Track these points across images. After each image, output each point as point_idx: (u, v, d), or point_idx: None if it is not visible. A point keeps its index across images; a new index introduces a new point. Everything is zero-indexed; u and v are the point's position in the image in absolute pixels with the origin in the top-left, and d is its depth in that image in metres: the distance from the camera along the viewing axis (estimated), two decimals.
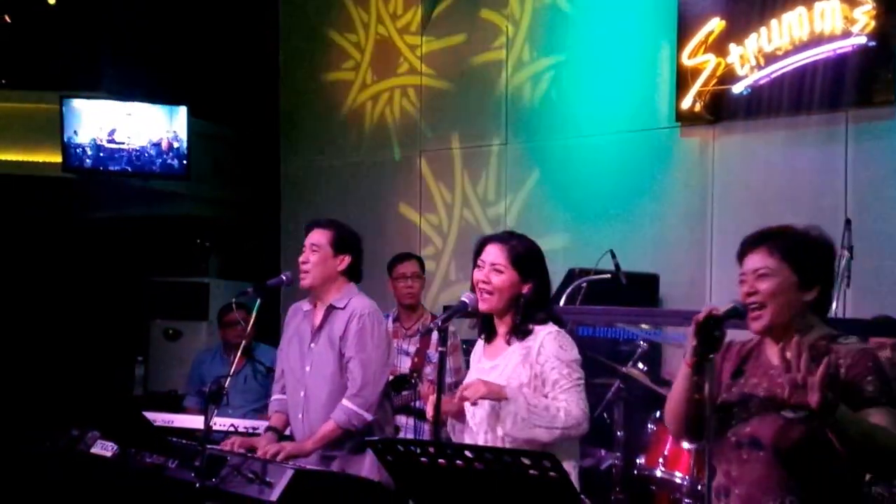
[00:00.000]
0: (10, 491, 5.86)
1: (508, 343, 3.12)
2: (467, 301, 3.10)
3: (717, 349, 2.55)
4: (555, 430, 2.94)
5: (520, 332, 3.09)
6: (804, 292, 2.54)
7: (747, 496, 2.54)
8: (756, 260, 2.57)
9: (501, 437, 3.03)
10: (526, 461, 2.29)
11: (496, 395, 2.99)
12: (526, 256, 3.12)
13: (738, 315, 2.55)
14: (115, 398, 4.65)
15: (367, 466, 3.85)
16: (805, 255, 2.56)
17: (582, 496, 2.32)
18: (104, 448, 4.14)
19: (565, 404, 2.96)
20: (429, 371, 5.14)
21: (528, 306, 3.11)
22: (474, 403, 3.05)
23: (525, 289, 3.11)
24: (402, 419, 5.19)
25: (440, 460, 2.44)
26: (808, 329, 2.55)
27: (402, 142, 7.38)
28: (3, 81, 8.04)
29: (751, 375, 2.63)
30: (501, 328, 3.16)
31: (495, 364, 3.13)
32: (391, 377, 5.21)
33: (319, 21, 7.90)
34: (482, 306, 3.11)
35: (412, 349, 5.25)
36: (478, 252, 3.15)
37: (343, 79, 7.74)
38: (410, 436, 5.06)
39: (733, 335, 2.70)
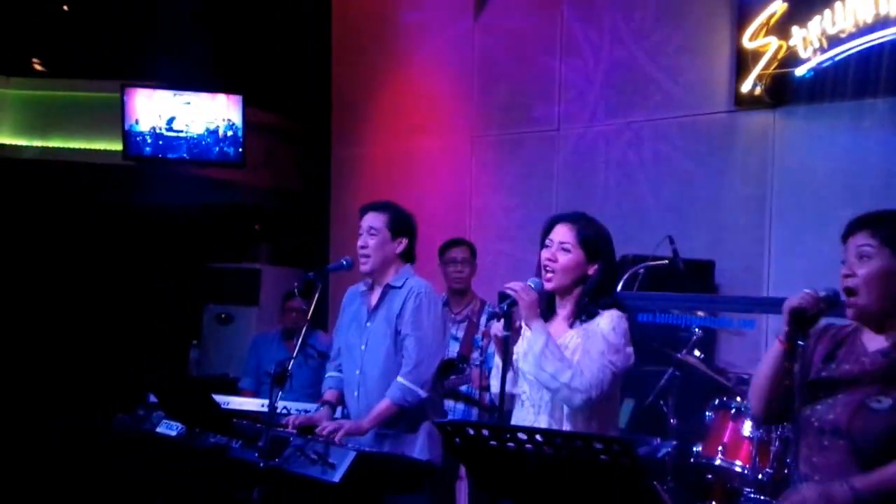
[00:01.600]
0: (77, 468, 6.00)
1: (570, 326, 3.10)
2: (533, 285, 3.09)
3: (806, 337, 2.53)
4: (557, 381, 2.92)
5: (584, 314, 3.07)
6: None
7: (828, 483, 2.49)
8: (858, 241, 2.53)
9: (558, 419, 3.03)
10: (598, 446, 2.28)
11: None
12: (594, 238, 3.11)
13: (834, 303, 2.52)
14: (185, 380, 4.72)
15: (418, 446, 3.90)
16: None
17: (654, 483, 2.28)
18: (169, 428, 4.22)
19: (582, 368, 2.94)
20: (475, 356, 5.15)
21: (594, 288, 3.09)
22: None
23: (591, 270, 3.10)
24: (449, 403, 5.21)
25: (509, 444, 2.44)
26: None
27: (453, 128, 7.36)
28: (45, 70, 8.16)
29: (843, 361, 2.60)
30: (562, 310, 3.14)
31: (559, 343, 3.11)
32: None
33: (372, 11, 7.91)
34: (548, 286, 3.10)
35: (460, 334, 5.26)
36: (546, 231, 3.15)
37: (394, 66, 7.74)
38: (459, 418, 5.09)
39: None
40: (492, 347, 3.15)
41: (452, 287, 5.33)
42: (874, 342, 2.59)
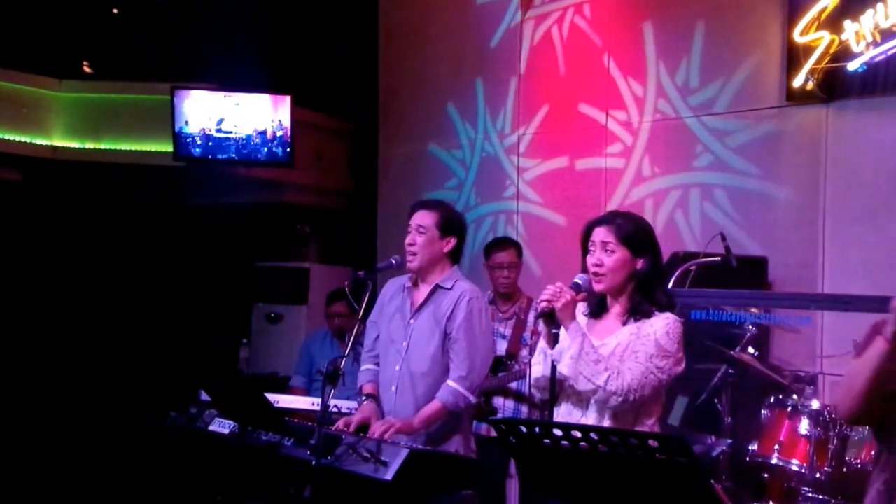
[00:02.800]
0: (130, 465, 6.09)
1: (624, 323, 3.09)
2: (581, 283, 3.09)
3: None
4: (592, 384, 2.93)
5: (639, 312, 3.07)
6: None
7: None
8: None
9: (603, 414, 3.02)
10: (653, 444, 2.26)
11: None
12: (635, 232, 3.11)
13: None
14: (238, 378, 4.77)
15: (454, 445, 3.92)
16: None
17: (711, 481, 2.26)
18: (221, 426, 4.26)
19: (623, 371, 2.93)
20: (524, 354, 5.13)
21: (646, 283, 3.09)
22: None
23: (639, 264, 3.10)
24: (498, 401, 5.20)
25: (563, 442, 2.43)
26: None
27: (495, 127, 7.34)
28: (96, 73, 8.28)
29: None
30: (616, 307, 3.14)
31: (604, 342, 3.10)
32: None
33: (419, 9, 7.92)
34: (598, 287, 3.10)
35: (508, 332, 5.24)
36: (586, 236, 3.15)
37: (440, 67, 7.74)
38: (508, 416, 5.07)
39: None
40: (541, 343, 3.15)
41: (498, 291, 5.31)
42: None
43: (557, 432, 2.43)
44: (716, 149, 6.08)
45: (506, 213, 7.26)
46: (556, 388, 3.07)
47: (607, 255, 3.07)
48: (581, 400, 3.07)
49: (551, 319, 2.98)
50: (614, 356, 3.02)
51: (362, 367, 4.25)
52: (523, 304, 5.30)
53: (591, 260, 3.10)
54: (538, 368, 3.12)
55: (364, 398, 4.12)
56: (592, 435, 2.38)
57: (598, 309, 3.18)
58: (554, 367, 2.98)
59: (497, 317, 5.29)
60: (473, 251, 6.70)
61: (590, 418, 3.03)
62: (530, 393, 5.01)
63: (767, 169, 5.86)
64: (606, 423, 3.00)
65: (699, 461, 2.27)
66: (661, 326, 3.00)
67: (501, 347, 5.19)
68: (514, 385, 5.20)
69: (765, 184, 5.86)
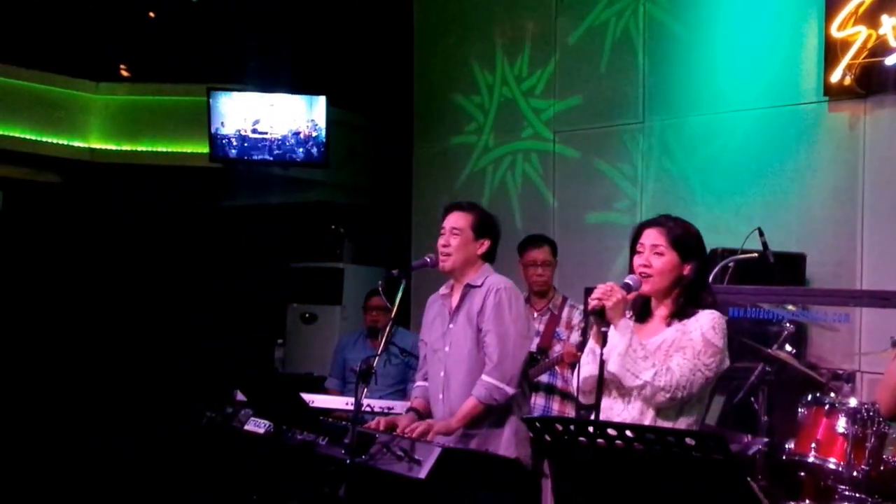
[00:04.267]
0: (167, 464, 6.15)
1: (668, 325, 3.10)
2: (631, 283, 3.10)
3: None
4: (639, 379, 2.94)
5: (683, 314, 3.07)
6: None
7: None
8: None
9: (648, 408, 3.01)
10: (690, 442, 2.25)
11: None
12: (685, 237, 3.12)
13: None
14: (273, 378, 4.80)
15: (504, 443, 3.87)
16: None
17: (748, 479, 2.24)
18: (256, 425, 4.29)
19: (671, 366, 2.94)
20: (558, 349, 5.11)
21: (691, 287, 3.10)
22: None
23: (686, 270, 3.11)
24: (533, 398, 5.17)
25: (599, 440, 2.42)
26: None
27: (536, 121, 7.33)
28: (133, 75, 8.37)
29: None
30: (661, 310, 3.14)
31: (650, 341, 3.09)
32: None
33: (454, 8, 7.93)
34: (644, 288, 3.10)
35: (541, 328, 5.22)
36: (636, 237, 3.16)
37: (476, 65, 7.74)
38: (538, 414, 5.05)
39: None
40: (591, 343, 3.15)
41: (532, 289, 5.29)
42: None
43: (592, 430, 2.42)
44: (754, 143, 6.03)
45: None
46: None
47: (656, 257, 3.09)
48: (623, 394, 3.07)
49: (601, 318, 2.99)
50: (660, 351, 3.02)
51: (415, 384, 4.26)
52: (557, 301, 5.28)
53: (639, 261, 3.12)
54: (587, 368, 3.12)
55: (407, 411, 4.13)
56: (628, 433, 2.37)
57: (642, 312, 3.18)
58: (602, 367, 2.97)
59: (530, 313, 5.27)
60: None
61: (632, 411, 3.03)
62: (577, 395, 5.00)
63: (805, 164, 5.81)
64: (649, 416, 3.00)
65: (736, 459, 2.25)
66: (707, 322, 3.01)
67: (533, 343, 5.17)
68: (544, 378, 5.17)
69: (802, 179, 5.80)
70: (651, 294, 3.12)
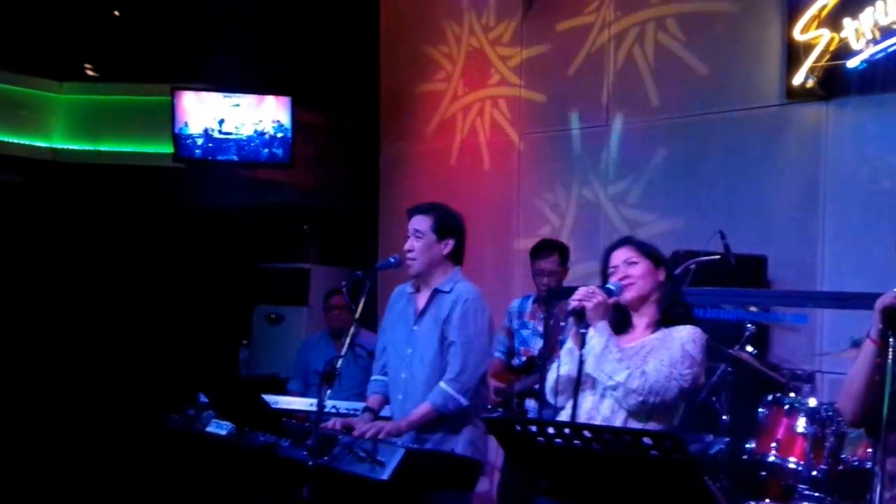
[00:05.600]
0: (128, 467, 6.10)
1: (653, 332, 3.17)
2: (613, 288, 3.18)
3: None
4: (613, 381, 3.00)
5: (665, 321, 3.15)
6: None
7: None
8: None
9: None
10: (647, 441, 2.26)
11: None
12: (651, 247, 3.29)
13: None
14: (233, 380, 4.77)
15: (459, 448, 3.87)
16: None
17: (705, 478, 2.26)
18: (218, 427, 4.26)
19: (646, 370, 2.98)
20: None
21: (668, 293, 3.21)
22: None
23: (661, 276, 3.23)
24: (531, 403, 5.17)
25: (557, 440, 2.43)
26: None
27: (503, 122, 7.34)
28: (96, 74, 8.29)
29: None
30: (642, 320, 3.21)
31: (630, 346, 3.14)
32: (524, 359, 5.23)
33: (419, 12, 7.93)
34: (629, 294, 3.18)
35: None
36: (605, 263, 3.26)
37: (441, 67, 7.75)
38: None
39: None
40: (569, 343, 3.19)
41: (541, 296, 5.28)
42: None
43: (550, 430, 2.44)
44: (716, 146, 6.08)
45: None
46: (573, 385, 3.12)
47: (632, 266, 3.19)
48: (596, 392, 3.11)
49: (580, 319, 3.05)
50: (638, 356, 3.06)
51: (372, 378, 4.24)
52: (565, 306, 5.28)
53: (615, 277, 3.20)
54: (564, 368, 3.16)
55: (364, 410, 4.12)
56: (585, 433, 2.38)
57: (621, 325, 3.22)
58: (581, 368, 3.00)
59: (537, 316, 5.28)
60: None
61: (604, 410, 3.07)
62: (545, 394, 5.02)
63: (767, 167, 5.86)
64: (621, 416, 3.04)
65: (693, 458, 2.26)
66: (688, 335, 3.08)
67: (538, 346, 5.18)
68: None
69: (764, 182, 5.86)
70: (635, 300, 3.19)
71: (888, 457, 2.57)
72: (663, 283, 3.21)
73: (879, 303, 2.53)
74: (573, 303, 3.06)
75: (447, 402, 3.81)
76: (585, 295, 3.06)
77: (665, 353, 3.02)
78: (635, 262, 3.20)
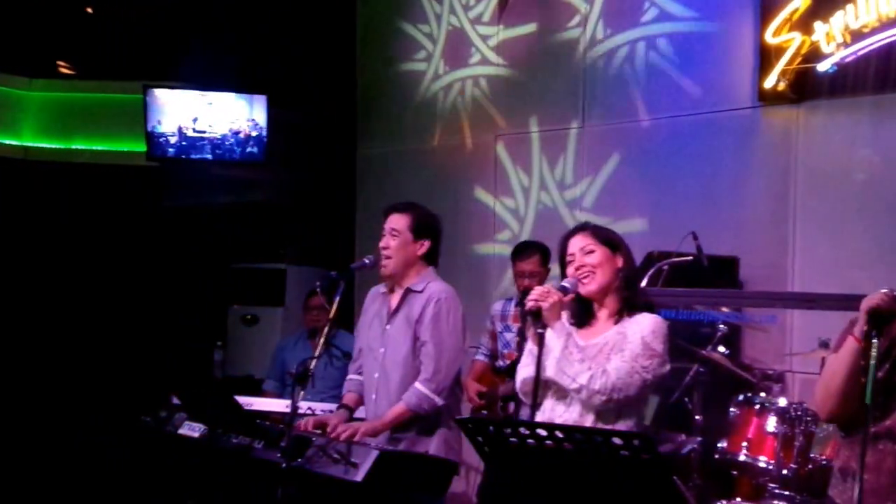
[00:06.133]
0: (100, 468, 6.05)
1: (616, 322, 3.13)
2: (568, 286, 3.13)
3: (882, 333, 2.54)
4: (576, 383, 2.98)
5: (628, 309, 3.12)
6: None
7: (878, 484, 2.57)
8: None
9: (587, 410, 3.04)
10: (617, 441, 2.28)
11: None
12: (608, 233, 3.23)
13: None
14: (206, 381, 4.75)
15: (433, 449, 3.89)
16: None
17: (674, 478, 2.28)
18: (191, 429, 4.23)
19: (608, 369, 2.97)
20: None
21: (629, 280, 3.18)
22: None
23: (619, 262, 3.17)
24: (512, 406, 5.17)
25: (529, 441, 2.45)
26: None
27: (477, 126, 7.36)
28: (68, 72, 8.22)
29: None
30: (603, 311, 3.18)
31: (591, 343, 3.12)
32: (508, 362, 5.23)
33: (395, 10, 7.93)
34: (589, 288, 3.14)
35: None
36: (562, 251, 3.22)
37: (417, 67, 7.76)
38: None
39: None
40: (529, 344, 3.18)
41: (521, 298, 5.28)
42: None
43: (523, 430, 2.45)
44: (688, 148, 6.12)
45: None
46: (541, 387, 3.10)
47: (589, 255, 3.14)
48: (564, 396, 3.09)
49: (538, 319, 3.02)
50: (601, 354, 3.04)
51: (348, 377, 4.25)
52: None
53: (572, 268, 3.17)
54: (526, 370, 3.13)
55: (338, 408, 4.13)
56: (558, 433, 2.40)
57: (583, 317, 3.20)
58: (539, 368, 2.99)
59: (514, 327, 5.27)
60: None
61: (572, 413, 3.05)
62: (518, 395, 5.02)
63: (739, 169, 5.91)
64: (589, 419, 3.02)
65: (662, 458, 2.29)
66: (648, 325, 3.05)
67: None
68: None
69: (736, 184, 5.91)
70: (595, 293, 3.15)
71: (849, 451, 2.60)
72: (621, 269, 3.16)
73: (865, 303, 2.55)
74: (529, 303, 3.03)
75: (422, 402, 3.82)
76: (541, 295, 3.02)
77: (626, 347, 3.00)
78: (592, 251, 3.15)
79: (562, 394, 3.09)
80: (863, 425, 2.48)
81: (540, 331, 3.01)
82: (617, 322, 3.12)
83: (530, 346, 3.13)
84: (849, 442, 2.67)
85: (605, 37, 6.60)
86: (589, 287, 3.14)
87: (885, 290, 2.55)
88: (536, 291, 3.04)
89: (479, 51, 7.36)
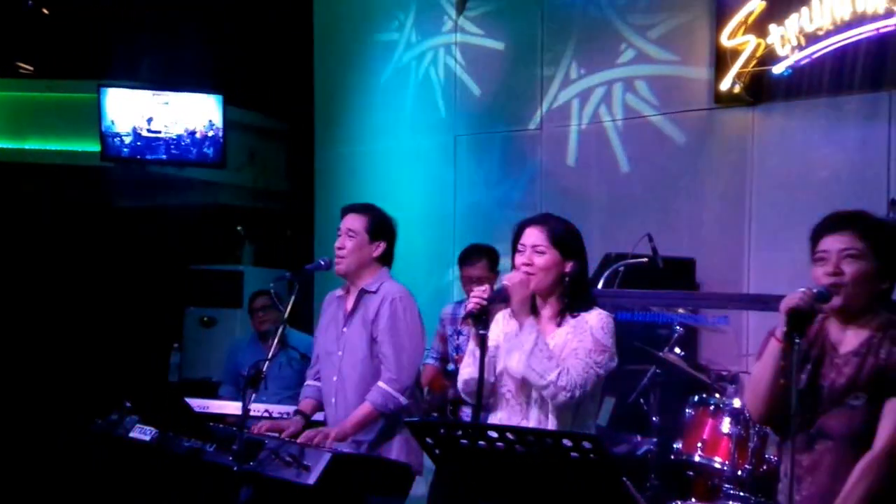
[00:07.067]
0: (50, 473, 5.95)
1: (559, 325, 3.10)
2: (508, 284, 3.09)
3: (804, 333, 2.55)
4: (544, 379, 2.94)
5: (570, 311, 3.08)
6: (881, 281, 2.58)
7: (819, 483, 2.57)
8: (844, 241, 2.59)
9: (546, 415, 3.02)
10: (567, 443, 2.27)
11: None
12: (565, 235, 3.13)
13: (825, 300, 2.56)
14: (157, 383, 4.68)
15: (394, 451, 3.87)
16: (889, 246, 2.59)
17: (624, 479, 2.27)
18: (142, 433, 4.17)
19: (568, 367, 2.96)
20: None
21: (574, 285, 3.11)
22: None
23: (568, 267, 3.11)
24: (466, 410, 5.13)
25: (480, 443, 2.43)
26: (873, 314, 2.61)
27: (436, 126, 7.35)
28: (22, 71, 8.09)
29: (819, 365, 2.66)
30: (546, 310, 3.14)
31: (555, 345, 3.08)
32: (459, 366, 5.18)
33: (355, 8, 7.90)
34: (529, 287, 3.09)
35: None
36: (517, 237, 3.16)
37: (378, 63, 7.73)
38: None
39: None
40: (471, 345, 3.14)
41: None
42: (843, 342, 2.67)
43: (474, 433, 2.43)
44: (645, 150, 6.14)
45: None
46: (490, 393, 3.10)
47: (537, 255, 3.09)
48: (520, 403, 3.06)
49: (479, 321, 2.98)
50: (563, 353, 3.02)
51: (306, 382, 4.21)
52: (498, 311, 5.23)
53: (520, 259, 3.11)
54: (468, 371, 3.11)
55: (295, 413, 4.10)
56: (508, 435, 2.38)
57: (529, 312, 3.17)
58: (482, 370, 2.96)
59: (466, 329, 5.22)
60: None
61: (531, 422, 3.03)
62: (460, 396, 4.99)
63: (696, 171, 5.94)
64: (551, 425, 2.99)
65: (612, 459, 2.28)
66: (596, 322, 3.03)
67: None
68: None
69: (693, 186, 5.94)
70: (535, 292, 3.11)
71: (797, 455, 2.61)
72: (570, 274, 3.08)
73: (784, 304, 2.55)
74: (470, 304, 2.99)
75: (387, 401, 3.80)
76: (521, 283, 3.00)
77: (580, 346, 2.99)
78: (542, 252, 3.08)
79: (517, 401, 3.07)
80: (792, 429, 2.49)
81: (482, 332, 2.97)
82: (560, 324, 3.09)
83: (472, 347, 3.10)
84: (785, 444, 2.68)
85: (562, 38, 6.62)
86: (529, 287, 3.09)
87: (803, 289, 2.56)
88: (478, 292, 3.00)
89: (438, 55, 7.34)
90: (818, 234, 2.66)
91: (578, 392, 2.93)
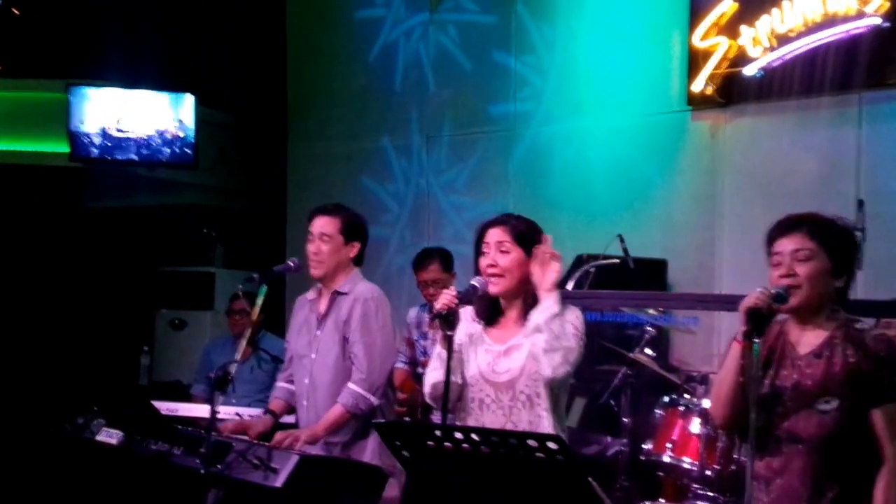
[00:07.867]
0: (16, 477, 5.87)
1: (524, 326, 3.07)
2: (477, 285, 3.07)
3: (763, 333, 2.56)
4: (559, 342, 2.93)
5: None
6: (835, 279, 2.61)
7: (788, 487, 2.58)
8: (796, 242, 2.62)
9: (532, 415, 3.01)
10: (532, 444, 2.26)
11: None
12: (528, 233, 3.11)
13: (782, 301, 2.58)
14: (123, 386, 4.63)
15: (368, 452, 3.87)
16: (839, 244, 2.63)
17: (590, 479, 2.26)
18: (109, 436, 4.12)
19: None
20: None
21: None
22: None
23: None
24: (436, 415, 5.10)
25: (446, 444, 2.41)
26: (830, 313, 2.62)
27: (408, 127, 7.33)
28: (2, 67, 7.98)
29: (780, 367, 2.67)
30: (512, 311, 3.12)
31: (510, 345, 3.08)
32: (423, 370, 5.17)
33: (327, 7, 7.86)
34: (494, 290, 3.08)
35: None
36: (480, 238, 3.14)
37: (348, 65, 7.69)
38: None
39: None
40: (437, 348, 3.12)
41: (430, 306, 5.21)
42: (802, 343, 2.68)
43: (440, 434, 2.42)
44: (617, 151, 6.15)
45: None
46: (459, 399, 3.10)
47: (502, 255, 3.06)
48: (503, 407, 3.04)
49: (446, 322, 2.96)
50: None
51: (276, 384, 4.21)
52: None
53: (485, 261, 3.09)
54: (435, 374, 3.08)
55: (265, 413, 4.08)
56: (474, 436, 2.37)
57: (491, 315, 3.15)
58: (448, 372, 2.94)
59: (430, 334, 5.20)
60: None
61: (521, 425, 3.01)
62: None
63: (668, 172, 5.96)
64: (546, 423, 2.98)
65: (577, 460, 2.27)
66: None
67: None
68: None
69: (665, 186, 5.95)
70: (501, 294, 3.10)
71: (758, 459, 2.62)
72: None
73: (743, 304, 2.56)
74: (438, 305, 2.97)
75: (358, 402, 3.79)
76: (449, 298, 2.97)
77: (562, 332, 2.97)
78: (506, 251, 3.06)
79: (498, 405, 3.05)
80: (751, 428, 2.49)
81: (449, 333, 2.95)
82: (525, 326, 3.07)
83: (439, 350, 3.07)
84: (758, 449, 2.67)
85: (536, 37, 6.62)
86: (494, 289, 3.08)
87: (761, 289, 2.58)
88: (445, 295, 2.99)
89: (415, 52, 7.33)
90: (772, 237, 2.71)
91: (570, 369, 2.94)
